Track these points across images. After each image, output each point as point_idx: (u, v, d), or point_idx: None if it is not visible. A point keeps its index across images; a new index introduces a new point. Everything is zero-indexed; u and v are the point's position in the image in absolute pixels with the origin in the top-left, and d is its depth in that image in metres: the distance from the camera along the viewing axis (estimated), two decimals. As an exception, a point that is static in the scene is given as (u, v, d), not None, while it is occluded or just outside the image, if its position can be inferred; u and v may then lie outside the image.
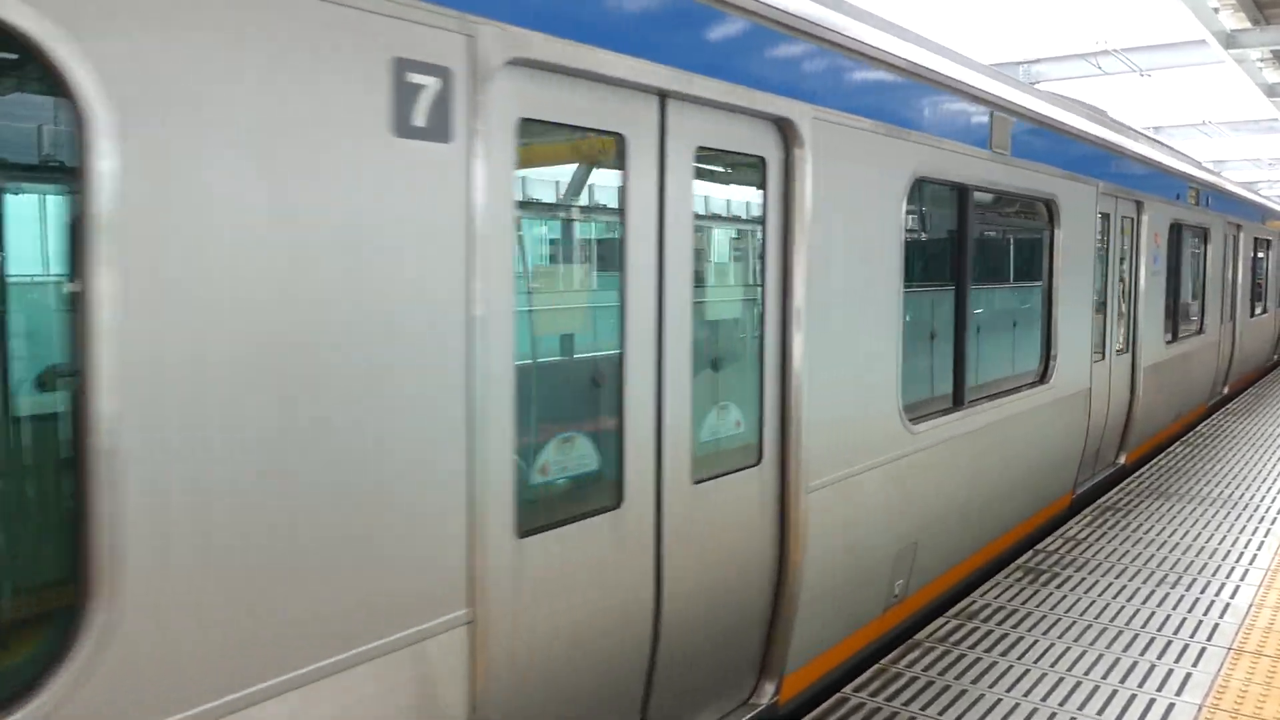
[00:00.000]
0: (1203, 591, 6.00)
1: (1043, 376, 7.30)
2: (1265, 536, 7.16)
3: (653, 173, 3.52)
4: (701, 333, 3.97)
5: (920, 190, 5.79)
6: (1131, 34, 18.35)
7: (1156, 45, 18.79)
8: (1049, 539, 7.11)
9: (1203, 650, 5.11)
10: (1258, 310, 17.17)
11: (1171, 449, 10.50)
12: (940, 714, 4.43)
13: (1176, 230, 10.93)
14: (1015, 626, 5.44)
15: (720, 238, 4.79)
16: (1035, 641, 5.23)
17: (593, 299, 3.74)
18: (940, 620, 5.54)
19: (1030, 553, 6.79)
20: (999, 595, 5.93)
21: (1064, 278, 7.45)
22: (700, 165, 3.82)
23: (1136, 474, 9.31)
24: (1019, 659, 5.01)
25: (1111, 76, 19.75)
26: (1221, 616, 5.58)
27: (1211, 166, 20.34)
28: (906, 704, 4.52)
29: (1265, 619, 5.54)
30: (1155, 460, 9.92)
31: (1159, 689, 4.67)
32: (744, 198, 4.36)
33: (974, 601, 5.84)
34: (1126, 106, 20.76)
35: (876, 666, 4.92)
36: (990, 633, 5.35)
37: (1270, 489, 8.67)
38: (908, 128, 5.11)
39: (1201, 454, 10.22)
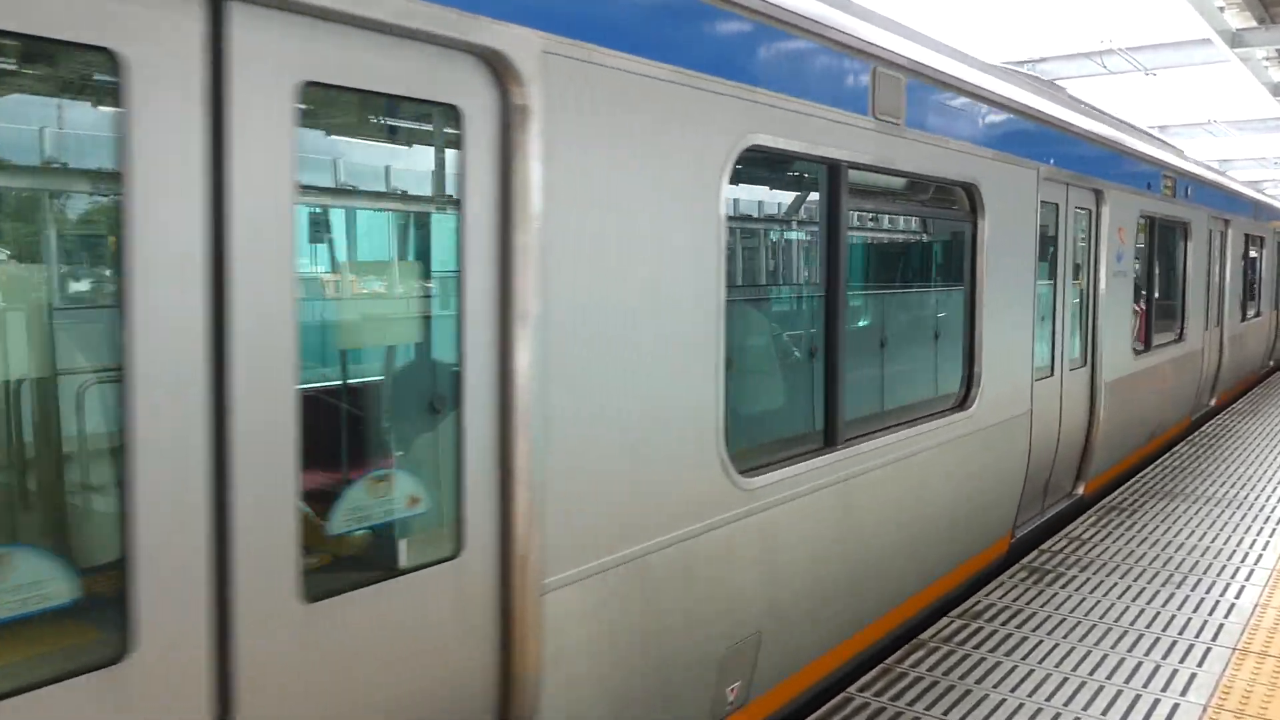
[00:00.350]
0: (1208, 592, 5.99)
1: (962, 401, 5.93)
2: (1270, 537, 7.15)
3: (196, 116, 2.28)
4: (327, 362, 2.97)
5: (783, 168, 4.81)
6: (1137, 33, 18.32)
7: (1162, 44, 18.76)
8: (1053, 539, 7.11)
9: (1208, 650, 5.11)
10: (1250, 313, 15.92)
11: (1176, 449, 10.47)
12: (945, 714, 4.43)
13: (1150, 225, 9.86)
14: (1020, 626, 5.44)
15: (383, 220, 3.60)
16: (1040, 641, 5.23)
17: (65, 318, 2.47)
18: (945, 620, 5.54)
19: (1035, 552, 6.79)
20: (1003, 595, 5.93)
21: (992, 280, 6.05)
22: (324, 111, 2.84)
23: (1141, 474, 9.29)
24: (1024, 659, 5.01)
25: (1117, 75, 19.73)
26: (1226, 617, 5.58)
27: (1217, 165, 20.32)
28: (911, 704, 4.52)
29: (1270, 619, 5.54)
30: (1160, 460, 9.90)
31: (1164, 689, 4.67)
32: (432, 165, 3.20)
33: (978, 601, 5.84)
34: (1132, 105, 20.74)
35: (881, 666, 4.92)
36: (995, 633, 5.35)
37: (1276, 489, 8.65)
38: (732, 78, 3.80)
39: (1207, 454, 10.20)
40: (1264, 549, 6.86)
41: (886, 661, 4.98)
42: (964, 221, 5.99)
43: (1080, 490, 8.26)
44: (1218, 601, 5.83)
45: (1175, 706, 4.50)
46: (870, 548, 4.97)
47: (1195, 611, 5.66)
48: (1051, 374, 7.36)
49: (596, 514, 3.24)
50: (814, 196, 4.86)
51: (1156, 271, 10.42)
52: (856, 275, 5.66)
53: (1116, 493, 8.53)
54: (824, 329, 4.70)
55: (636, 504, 3.42)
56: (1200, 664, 4.95)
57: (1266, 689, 4.65)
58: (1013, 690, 4.66)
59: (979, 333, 5.97)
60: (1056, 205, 7.37)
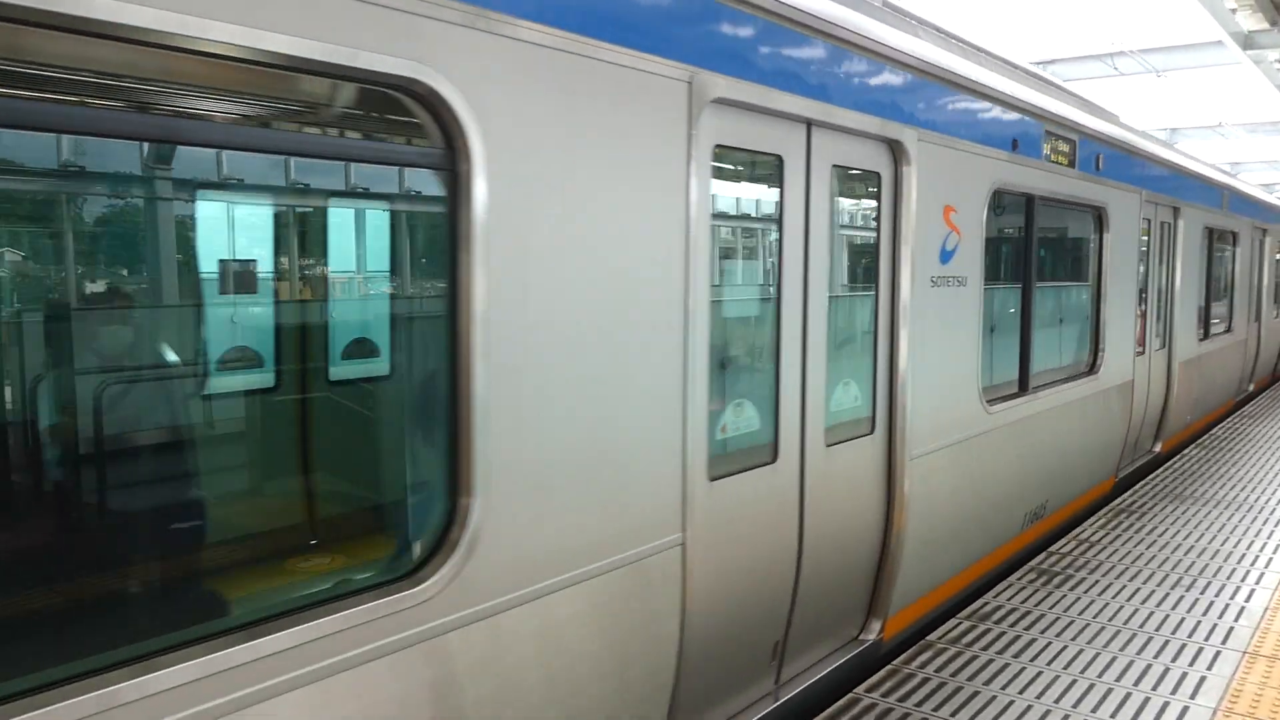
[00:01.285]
0: (1217, 595, 5.97)
1: (414, 571, 2.87)
2: (1281, 540, 7.13)
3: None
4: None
5: None
6: (1147, 35, 18.27)
7: (1173, 46, 18.71)
8: (1061, 540, 7.09)
9: (1217, 654, 5.09)
10: (1219, 329, 12.42)
11: (1185, 452, 10.41)
12: (953, 715, 4.43)
13: (1029, 205, 6.70)
14: (1028, 628, 5.42)
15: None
16: (1049, 643, 5.22)
17: None
18: (953, 621, 5.53)
19: (1043, 554, 6.77)
20: (1012, 597, 5.92)
21: (510, 300, 2.96)
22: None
23: (1149, 476, 9.25)
24: (1032, 661, 5.00)
25: (1127, 77, 19.69)
26: (1236, 620, 5.56)
27: (1228, 168, 20.24)
28: (919, 705, 4.51)
29: (1280, 623, 5.52)
30: (1169, 463, 9.86)
31: (1173, 692, 4.66)
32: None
33: (986, 603, 5.83)
34: (1142, 108, 20.70)
35: (889, 667, 4.91)
36: (1003, 634, 5.34)
37: (1286, 493, 8.62)
38: None
39: (1216, 457, 10.16)
40: (1274, 552, 6.83)
41: (894, 662, 4.98)
42: (428, 178, 2.95)
43: (873, 635, 5.21)
44: (1227, 604, 5.80)
45: (1185, 709, 4.48)
46: None
47: (1205, 614, 5.64)
48: (774, 458, 4.36)
49: None
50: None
51: (1030, 276, 6.86)
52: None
53: (1125, 495, 8.50)
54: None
55: None
56: (1210, 667, 4.93)
57: (1277, 692, 4.63)
58: (1021, 692, 4.65)
59: (472, 417, 2.87)
60: (779, 158, 4.31)
